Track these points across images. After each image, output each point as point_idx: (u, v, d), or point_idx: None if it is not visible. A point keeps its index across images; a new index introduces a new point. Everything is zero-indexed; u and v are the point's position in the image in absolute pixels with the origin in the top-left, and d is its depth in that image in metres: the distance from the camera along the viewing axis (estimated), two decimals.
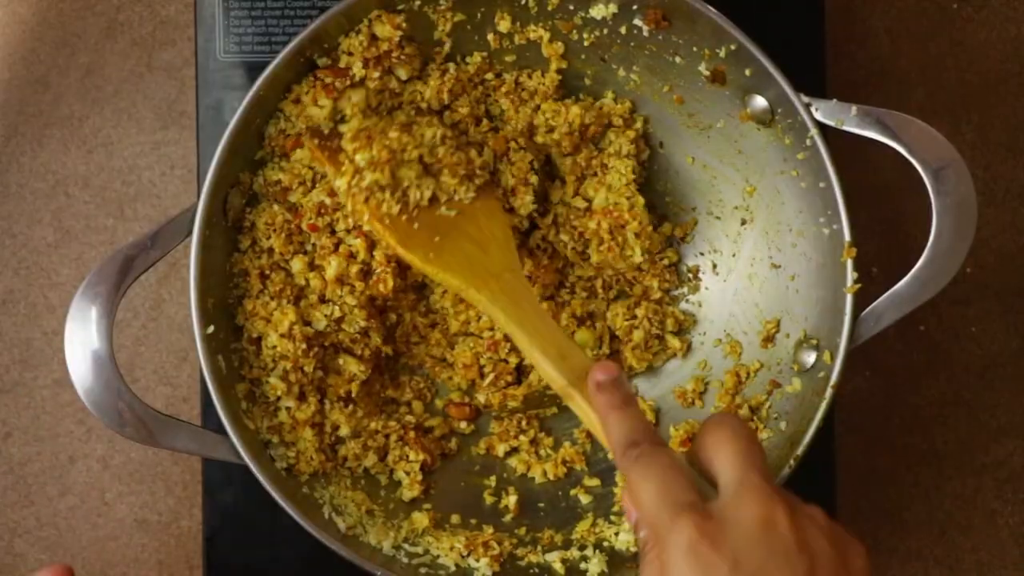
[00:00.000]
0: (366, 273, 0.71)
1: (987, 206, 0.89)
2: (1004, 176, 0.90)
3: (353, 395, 0.72)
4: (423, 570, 0.68)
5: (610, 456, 0.60)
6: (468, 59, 0.73)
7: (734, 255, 0.76)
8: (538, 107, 0.74)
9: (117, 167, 0.88)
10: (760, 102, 0.70)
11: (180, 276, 0.87)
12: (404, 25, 0.70)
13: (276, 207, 0.70)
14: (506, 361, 0.75)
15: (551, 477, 0.75)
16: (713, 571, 0.48)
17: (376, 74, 0.70)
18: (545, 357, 0.63)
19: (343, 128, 0.68)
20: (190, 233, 0.66)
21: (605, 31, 0.72)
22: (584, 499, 0.75)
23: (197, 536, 0.86)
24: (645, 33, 0.71)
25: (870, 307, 0.67)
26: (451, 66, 0.73)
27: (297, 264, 0.71)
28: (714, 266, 0.77)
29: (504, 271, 0.68)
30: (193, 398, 0.87)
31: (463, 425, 0.77)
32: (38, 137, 0.88)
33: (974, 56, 0.90)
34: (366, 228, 0.68)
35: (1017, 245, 0.89)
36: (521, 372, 0.76)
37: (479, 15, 0.72)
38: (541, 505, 0.75)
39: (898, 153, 0.67)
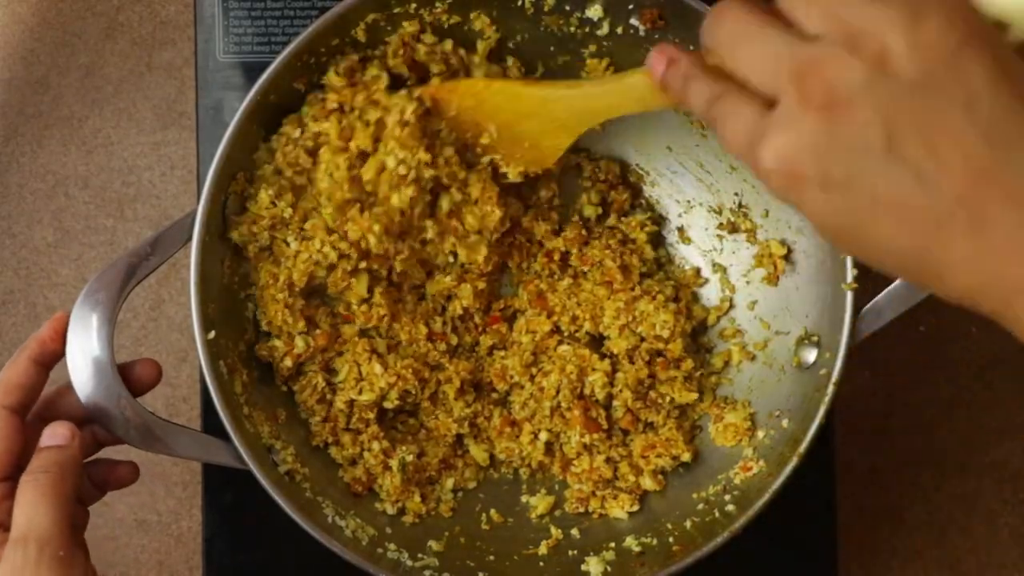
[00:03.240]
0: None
1: None
2: None
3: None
4: (427, 572, 0.68)
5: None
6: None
7: (734, 252, 0.76)
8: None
9: (117, 167, 0.88)
10: None
11: (180, 276, 0.87)
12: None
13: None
14: None
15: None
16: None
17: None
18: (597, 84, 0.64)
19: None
20: (190, 239, 0.66)
21: (600, 31, 0.72)
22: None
23: (197, 536, 0.86)
24: (641, 32, 0.71)
25: (871, 303, 0.66)
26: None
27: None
28: (714, 264, 0.77)
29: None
30: (193, 398, 0.87)
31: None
32: (38, 137, 0.88)
33: None
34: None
35: None
36: None
37: (472, 17, 0.72)
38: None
39: None
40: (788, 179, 0.44)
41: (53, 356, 0.63)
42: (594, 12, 0.71)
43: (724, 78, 0.48)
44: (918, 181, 0.42)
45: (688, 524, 0.70)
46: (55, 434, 0.61)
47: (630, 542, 0.71)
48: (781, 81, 0.44)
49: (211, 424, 0.71)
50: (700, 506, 0.71)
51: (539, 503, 0.75)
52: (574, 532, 0.73)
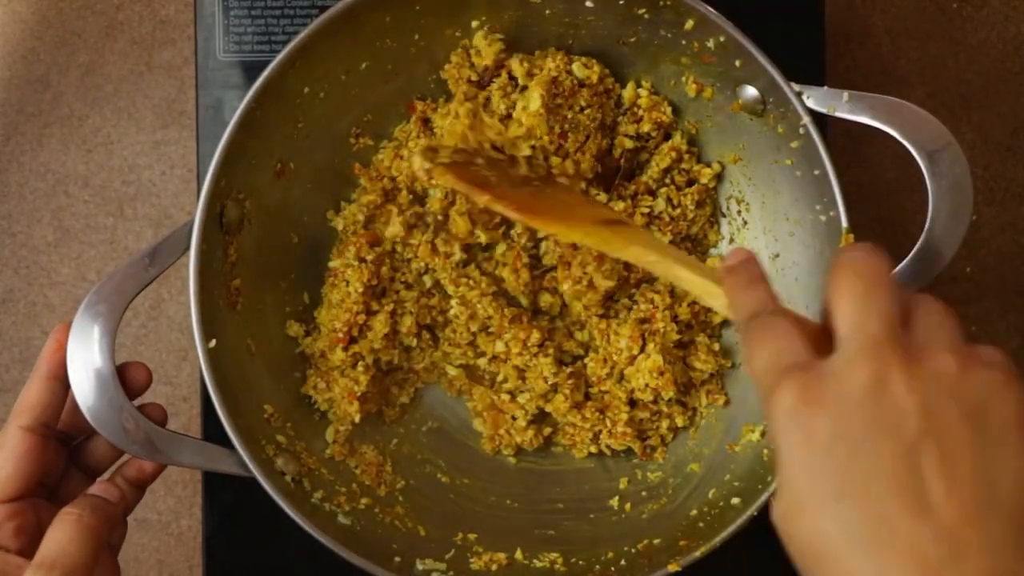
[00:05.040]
0: None
1: (987, 206, 0.89)
2: (1004, 176, 0.90)
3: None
4: (434, 575, 0.68)
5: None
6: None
7: (732, 241, 0.76)
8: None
9: (117, 166, 0.88)
10: (751, 92, 0.69)
11: (180, 276, 0.87)
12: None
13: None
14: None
15: None
16: (813, 437, 0.42)
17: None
18: (685, 267, 0.59)
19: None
20: (188, 248, 0.66)
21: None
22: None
23: (197, 536, 0.86)
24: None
25: None
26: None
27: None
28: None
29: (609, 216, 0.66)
30: (193, 397, 0.87)
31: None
32: (38, 136, 0.88)
33: (974, 56, 0.90)
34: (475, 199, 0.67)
35: (1017, 245, 0.89)
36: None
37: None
38: None
39: (898, 152, 0.66)
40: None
41: (62, 366, 0.63)
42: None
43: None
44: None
45: (694, 515, 0.70)
46: (106, 490, 0.63)
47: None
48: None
49: (212, 426, 0.71)
50: (709, 497, 0.70)
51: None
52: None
